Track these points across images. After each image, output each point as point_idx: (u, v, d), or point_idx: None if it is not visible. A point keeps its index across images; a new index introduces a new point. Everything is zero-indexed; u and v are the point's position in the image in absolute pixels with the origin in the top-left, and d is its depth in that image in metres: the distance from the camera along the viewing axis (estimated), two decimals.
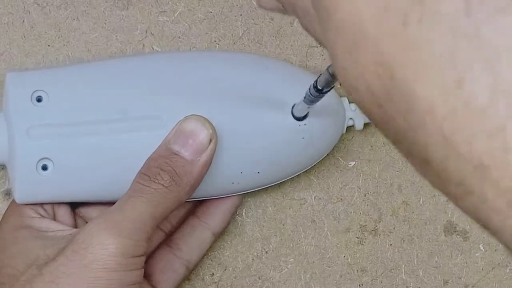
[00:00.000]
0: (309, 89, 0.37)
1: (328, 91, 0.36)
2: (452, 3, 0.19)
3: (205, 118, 0.39)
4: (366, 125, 0.44)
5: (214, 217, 0.43)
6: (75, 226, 0.41)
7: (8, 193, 0.44)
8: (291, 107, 0.41)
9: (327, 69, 0.34)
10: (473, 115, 0.19)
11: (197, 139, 0.38)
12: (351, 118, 0.44)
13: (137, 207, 0.36)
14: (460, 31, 0.19)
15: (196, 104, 0.40)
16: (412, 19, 0.20)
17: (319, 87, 0.36)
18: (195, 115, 0.39)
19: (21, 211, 0.40)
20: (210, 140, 0.38)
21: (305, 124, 0.41)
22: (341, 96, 0.44)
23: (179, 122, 0.39)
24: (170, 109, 0.39)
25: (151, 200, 0.37)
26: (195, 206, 0.43)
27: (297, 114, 0.40)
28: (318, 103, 0.38)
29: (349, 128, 0.44)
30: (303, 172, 0.44)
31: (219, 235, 0.44)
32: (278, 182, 0.44)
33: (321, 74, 0.35)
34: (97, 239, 0.35)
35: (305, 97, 0.38)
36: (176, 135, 0.38)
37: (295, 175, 0.44)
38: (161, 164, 0.37)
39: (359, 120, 0.44)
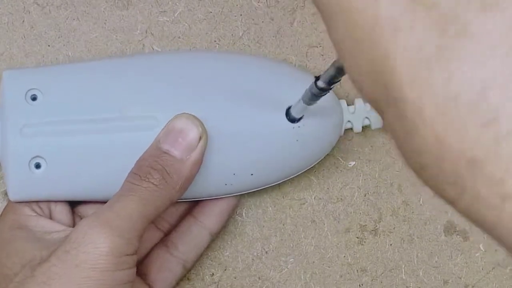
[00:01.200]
0: (310, 87, 0.36)
1: (331, 88, 0.35)
2: (443, 3, 0.20)
3: (194, 116, 0.39)
4: (364, 127, 0.44)
5: (210, 217, 0.43)
6: (73, 225, 0.41)
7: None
8: (285, 108, 0.40)
9: (333, 63, 0.33)
10: (463, 111, 0.19)
11: (187, 138, 0.38)
12: (349, 121, 0.44)
13: (128, 205, 0.36)
14: (448, 31, 0.19)
15: (190, 104, 0.40)
16: (403, 25, 0.20)
17: (323, 84, 0.35)
18: (185, 113, 0.39)
19: (18, 210, 0.40)
20: (200, 138, 0.38)
21: (299, 126, 0.41)
22: (339, 99, 0.44)
23: (169, 121, 0.39)
24: (165, 109, 0.40)
25: (141, 199, 0.37)
26: (192, 206, 0.43)
27: (295, 115, 0.40)
28: (315, 105, 0.38)
29: (348, 130, 0.44)
30: (303, 172, 0.44)
31: (217, 235, 0.44)
32: (274, 184, 0.43)
33: (327, 69, 0.34)
34: (88, 238, 0.35)
35: (303, 96, 0.37)
36: (166, 134, 0.38)
37: (290, 177, 0.43)
38: (151, 163, 0.38)
39: (358, 123, 0.44)
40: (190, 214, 0.43)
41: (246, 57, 0.44)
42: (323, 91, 0.35)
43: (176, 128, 0.38)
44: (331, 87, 0.35)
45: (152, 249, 0.42)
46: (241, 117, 0.40)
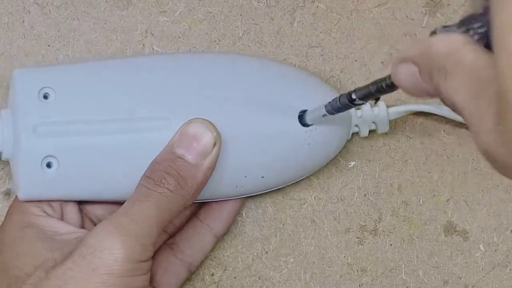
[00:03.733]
0: (340, 98, 0.36)
1: (362, 103, 0.36)
2: None
3: (209, 121, 0.38)
4: (370, 132, 0.44)
5: (216, 220, 0.43)
6: (82, 226, 0.41)
7: (8, 193, 0.43)
8: (297, 112, 0.41)
9: (376, 82, 0.33)
10: None
11: (201, 143, 0.38)
12: (356, 125, 0.44)
13: (144, 211, 0.36)
14: None
15: (202, 107, 0.40)
16: None
17: (355, 98, 0.35)
18: (199, 118, 0.39)
19: (25, 209, 0.39)
20: (214, 144, 0.38)
21: (311, 130, 0.41)
22: None
23: (183, 125, 0.39)
24: (178, 111, 0.39)
25: (157, 204, 0.37)
26: (198, 208, 0.43)
27: (309, 122, 0.40)
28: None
29: (354, 133, 0.45)
30: None
31: (221, 238, 0.44)
32: (281, 187, 0.44)
33: (357, 88, 0.35)
34: (104, 243, 0.35)
35: (327, 106, 0.37)
36: (180, 138, 0.38)
37: (298, 179, 0.44)
38: (165, 167, 0.37)
39: (364, 128, 0.44)
40: (196, 217, 0.43)
41: (257, 60, 0.44)
42: (351, 105, 0.36)
43: (190, 132, 0.38)
44: (362, 103, 0.35)
45: (157, 251, 0.42)
46: (254, 119, 0.40)
